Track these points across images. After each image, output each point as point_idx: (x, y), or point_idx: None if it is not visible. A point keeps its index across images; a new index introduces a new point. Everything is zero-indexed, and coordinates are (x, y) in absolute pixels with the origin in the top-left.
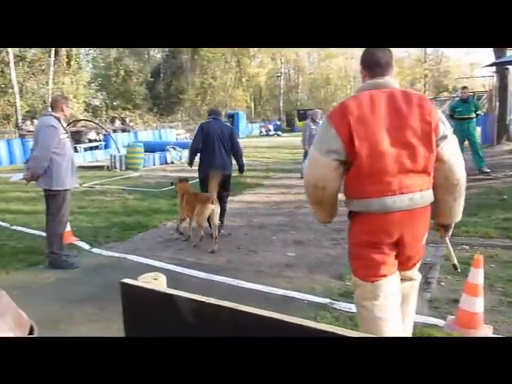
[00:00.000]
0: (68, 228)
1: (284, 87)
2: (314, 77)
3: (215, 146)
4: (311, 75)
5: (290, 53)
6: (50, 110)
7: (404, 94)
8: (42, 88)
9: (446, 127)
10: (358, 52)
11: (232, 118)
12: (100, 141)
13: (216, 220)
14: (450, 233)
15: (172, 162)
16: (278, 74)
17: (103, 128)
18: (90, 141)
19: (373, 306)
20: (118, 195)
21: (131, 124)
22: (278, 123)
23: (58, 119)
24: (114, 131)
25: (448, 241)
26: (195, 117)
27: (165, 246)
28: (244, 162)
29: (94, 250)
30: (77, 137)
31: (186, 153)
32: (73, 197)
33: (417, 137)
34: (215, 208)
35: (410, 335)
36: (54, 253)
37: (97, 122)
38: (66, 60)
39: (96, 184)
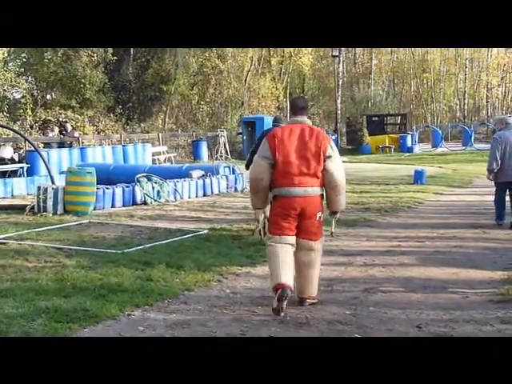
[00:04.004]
0: None
1: None
2: None
3: None
4: None
5: None
6: None
7: (309, 129)
8: None
9: (332, 151)
10: None
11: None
12: (20, 162)
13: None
14: (337, 216)
15: (145, 203)
16: None
17: (26, 139)
18: (3, 161)
19: (276, 245)
20: (48, 258)
21: (76, 134)
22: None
23: None
24: (47, 146)
25: (334, 220)
26: (189, 123)
27: None
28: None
29: None
30: None
31: (167, 188)
32: None
33: (311, 154)
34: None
35: (315, 291)
36: None
37: (16, 129)
38: None
39: (10, 238)
